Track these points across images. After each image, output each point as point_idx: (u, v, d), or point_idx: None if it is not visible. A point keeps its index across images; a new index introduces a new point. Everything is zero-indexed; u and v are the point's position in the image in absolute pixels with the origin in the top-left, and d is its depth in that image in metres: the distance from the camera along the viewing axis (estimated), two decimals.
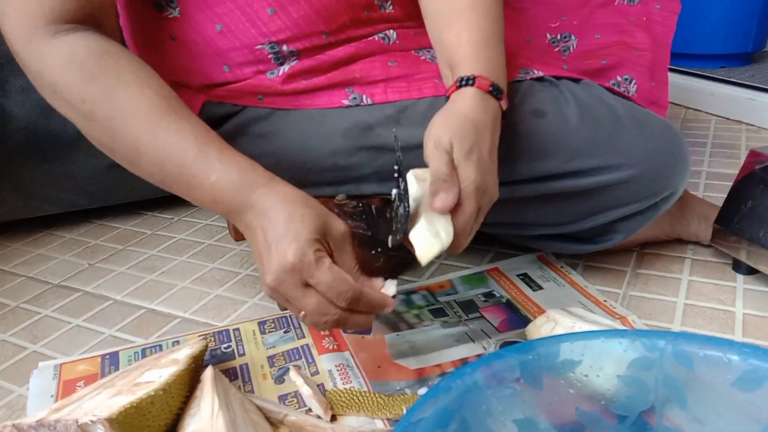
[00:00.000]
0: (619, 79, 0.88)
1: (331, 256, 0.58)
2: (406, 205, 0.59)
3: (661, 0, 0.88)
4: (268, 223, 0.57)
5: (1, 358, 0.82)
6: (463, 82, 0.65)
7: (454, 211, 0.60)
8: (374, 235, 0.71)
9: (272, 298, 0.60)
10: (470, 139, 0.60)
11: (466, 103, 0.64)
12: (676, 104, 1.73)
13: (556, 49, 0.91)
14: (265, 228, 0.57)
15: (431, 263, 0.59)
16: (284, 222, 0.56)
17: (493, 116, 0.65)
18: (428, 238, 0.58)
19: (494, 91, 0.66)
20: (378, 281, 0.62)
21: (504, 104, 0.67)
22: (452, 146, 0.59)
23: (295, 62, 0.74)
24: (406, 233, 0.60)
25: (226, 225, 1.15)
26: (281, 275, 0.56)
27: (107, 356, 0.77)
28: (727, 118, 1.60)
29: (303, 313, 0.58)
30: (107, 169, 1.15)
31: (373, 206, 0.74)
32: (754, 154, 0.86)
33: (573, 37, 0.90)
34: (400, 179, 0.60)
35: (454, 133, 0.60)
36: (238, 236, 1.10)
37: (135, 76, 0.61)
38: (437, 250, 0.58)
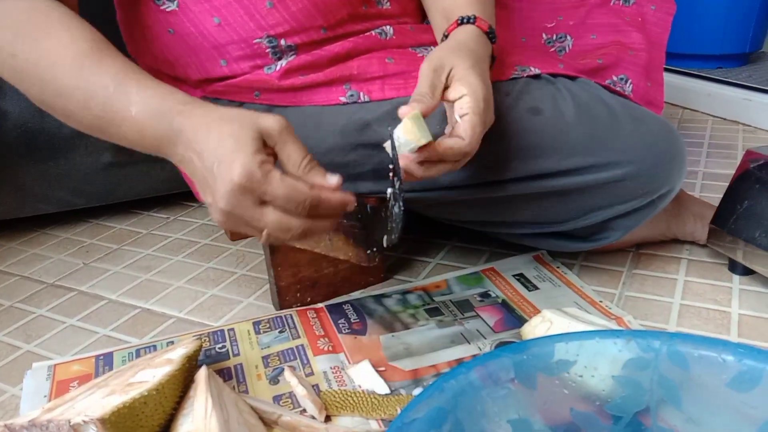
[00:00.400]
0: (614, 78, 0.88)
1: (274, 156, 0.55)
2: (401, 204, 0.59)
3: (656, 1, 0.88)
4: (199, 147, 0.54)
5: None
6: (464, 20, 0.69)
7: (463, 118, 0.60)
8: (370, 234, 0.71)
9: (225, 227, 0.58)
10: (472, 58, 0.63)
11: (467, 36, 0.67)
12: (672, 104, 1.73)
13: (552, 50, 0.90)
14: (199, 153, 0.54)
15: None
16: (216, 142, 0.53)
17: (489, 54, 0.68)
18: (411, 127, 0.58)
19: (491, 34, 0.70)
20: (330, 177, 0.56)
21: (496, 50, 0.71)
22: (451, 68, 0.62)
23: (292, 57, 0.73)
24: (400, 231, 0.60)
25: None
26: (232, 199, 0.53)
27: (101, 357, 0.76)
28: (724, 119, 1.60)
29: (265, 232, 0.55)
30: (103, 169, 1.15)
31: (368, 205, 0.74)
32: (750, 154, 0.86)
33: (569, 37, 0.90)
34: (395, 178, 0.59)
35: (456, 56, 0.62)
36: (234, 236, 1.10)
37: (63, 26, 0.61)
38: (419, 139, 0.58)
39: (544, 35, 0.90)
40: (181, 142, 0.56)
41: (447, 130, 0.63)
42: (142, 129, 0.58)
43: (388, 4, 0.80)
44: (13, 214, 1.16)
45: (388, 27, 0.79)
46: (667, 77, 1.70)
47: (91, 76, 0.59)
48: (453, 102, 0.62)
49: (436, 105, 0.61)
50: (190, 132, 0.55)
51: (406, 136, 0.58)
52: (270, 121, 0.55)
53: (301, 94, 0.75)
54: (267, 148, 0.55)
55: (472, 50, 0.65)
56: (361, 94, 0.75)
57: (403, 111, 0.58)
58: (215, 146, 0.53)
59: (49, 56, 0.59)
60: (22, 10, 0.61)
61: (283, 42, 0.72)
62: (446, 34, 0.71)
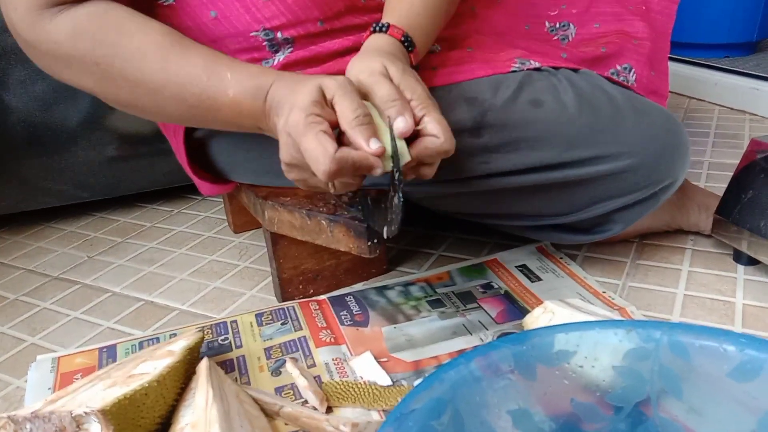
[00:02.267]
0: (618, 68, 0.87)
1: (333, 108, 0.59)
2: (400, 195, 0.59)
3: None
4: (282, 110, 0.60)
5: (0, 351, 0.82)
6: (377, 28, 0.69)
7: (421, 120, 0.60)
8: (370, 225, 0.71)
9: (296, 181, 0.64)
10: (399, 62, 0.63)
11: (380, 44, 0.67)
12: (679, 94, 1.72)
13: (555, 38, 0.90)
14: (280, 116, 0.60)
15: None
16: (289, 100, 0.59)
17: (405, 60, 0.67)
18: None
19: (405, 42, 0.68)
20: (373, 142, 0.57)
21: (414, 59, 0.69)
22: (385, 68, 0.61)
23: (290, 51, 0.73)
24: (401, 222, 0.60)
25: (225, 218, 1.15)
26: (285, 148, 0.60)
27: (105, 349, 0.77)
28: (731, 108, 1.58)
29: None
30: (107, 162, 1.15)
31: (368, 197, 0.74)
32: (755, 144, 0.85)
33: (572, 26, 0.89)
34: (394, 169, 0.59)
35: (382, 59, 0.62)
36: (237, 228, 1.10)
37: (136, 24, 0.64)
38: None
39: (547, 23, 0.90)
40: (273, 112, 0.62)
41: None
42: (240, 109, 0.63)
43: None
44: (17, 208, 1.16)
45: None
46: (674, 66, 1.70)
47: (181, 70, 0.63)
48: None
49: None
50: (278, 101, 0.61)
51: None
52: (329, 80, 0.59)
53: None
54: (324, 107, 0.58)
55: (389, 54, 0.65)
56: None
57: (400, 129, 0.58)
58: (288, 105, 0.59)
59: (133, 58, 0.63)
60: (92, 16, 0.63)
61: (279, 35, 0.72)
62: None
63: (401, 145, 0.59)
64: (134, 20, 0.64)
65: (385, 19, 0.70)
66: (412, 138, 0.60)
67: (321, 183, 0.61)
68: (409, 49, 0.69)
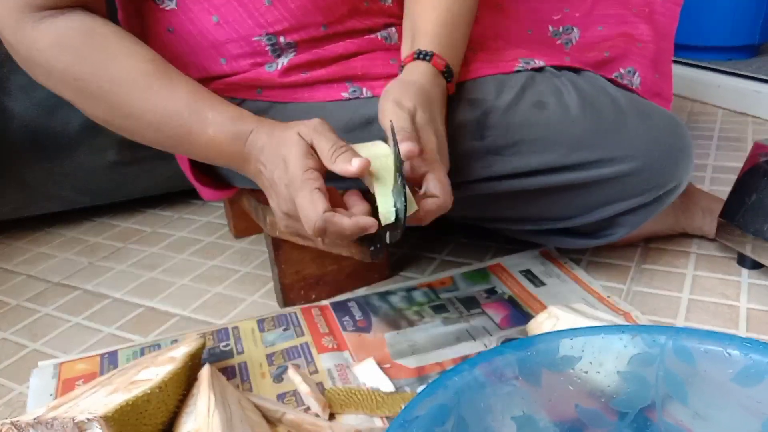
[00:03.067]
0: (622, 71, 0.87)
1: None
2: (403, 200, 0.59)
3: None
4: (263, 163, 0.61)
5: (2, 357, 0.82)
6: (421, 56, 0.69)
7: (425, 177, 0.60)
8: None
9: (287, 230, 0.65)
10: (428, 108, 0.64)
11: (421, 76, 0.67)
12: (682, 97, 1.71)
13: (558, 42, 0.90)
14: (264, 165, 0.62)
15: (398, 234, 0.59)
16: (279, 152, 0.60)
17: (443, 95, 0.68)
18: (390, 198, 0.58)
19: (446, 73, 0.69)
20: (354, 161, 0.57)
21: (451, 89, 0.71)
22: (416, 110, 0.62)
23: (292, 55, 0.73)
24: (403, 227, 0.60)
25: (226, 223, 1.15)
26: (281, 200, 0.60)
27: (106, 355, 0.76)
28: (734, 111, 1.58)
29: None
30: (108, 167, 1.15)
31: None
32: (759, 147, 0.85)
33: (575, 30, 0.89)
34: (397, 174, 0.59)
35: (417, 100, 0.63)
36: (239, 233, 1.10)
37: (123, 48, 0.64)
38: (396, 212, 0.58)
39: (550, 27, 0.90)
40: (252, 158, 0.63)
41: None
42: (218, 148, 0.64)
43: (391, 1, 0.79)
44: (18, 213, 1.16)
45: (392, 29, 0.78)
46: (677, 69, 1.68)
47: (163, 100, 0.63)
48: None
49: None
50: (258, 147, 0.62)
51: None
52: (303, 127, 0.60)
53: (302, 90, 0.75)
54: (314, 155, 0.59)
55: (427, 94, 0.65)
56: (364, 89, 0.74)
57: (407, 151, 0.57)
58: (281, 155, 0.59)
59: (115, 80, 0.63)
60: (77, 31, 0.63)
61: (282, 39, 0.72)
62: (402, 65, 0.70)
63: (408, 194, 0.58)
64: (121, 43, 0.64)
65: (426, 43, 0.70)
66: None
67: (312, 237, 0.61)
68: (449, 80, 0.69)
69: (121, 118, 0.65)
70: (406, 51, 0.73)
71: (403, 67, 0.70)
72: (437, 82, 0.68)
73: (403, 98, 0.62)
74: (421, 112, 0.62)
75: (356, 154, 0.58)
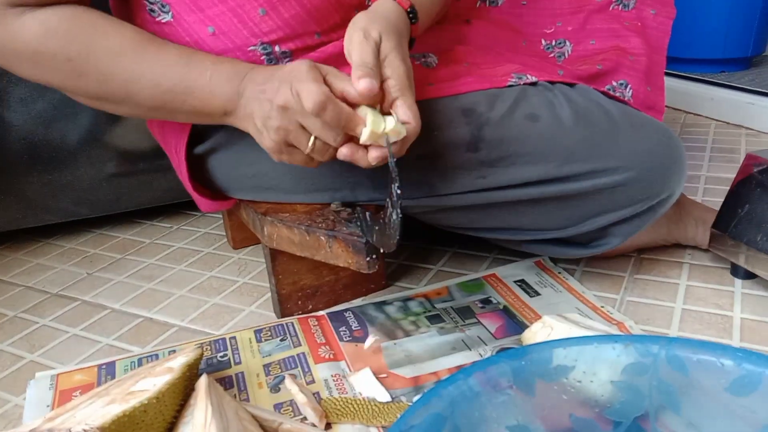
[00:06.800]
0: (614, 84, 0.88)
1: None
2: (398, 210, 0.59)
3: (655, 5, 0.88)
4: (265, 85, 0.64)
5: None
6: None
7: (394, 103, 0.62)
8: (369, 241, 0.71)
9: (277, 146, 0.65)
10: (396, 37, 0.64)
11: (388, 10, 0.68)
12: (675, 108, 1.73)
13: (551, 55, 0.91)
14: (262, 83, 0.64)
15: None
16: (275, 73, 0.64)
17: (407, 31, 0.70)
18: (374, 117, 0.61)
19: (410, 13, 0.71)
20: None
21: (414, 31, 0.72)
22: (381, 39, 0.63)
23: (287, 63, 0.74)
24: (399, 238, 0.60)
25: (224, 234, 1.16)
26: (281, 91, 0.62)
27: (104, 366, 0.77)
28: (727, 123, 1.59)
29: (312, 140, 0.63)
30: (106, 179, 1.16)
31: (367, 213, 0.74)
32: (751, 158, 0.86)
33: (568, 43, 0.90)
34: (393, 185, 0.60)
35: (383, 29, 0.64)
36: (236, 244, 1.10)
37: (110, 23, 0.67)
38: (381, 127, 0.60)
39: (543, 41, 0.91)
40: (247, 87, 0.65)
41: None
42: (213, 91, 0.67)
43: None
44: (17, 225, 1.16)
45: None
46: (670, 81, 1.71)
47: (159, 60, 0.67)
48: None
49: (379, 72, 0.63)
50: (256, 76, 0.66)
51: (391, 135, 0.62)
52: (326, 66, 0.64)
53: None
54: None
55: (394, 25, 0.66)
56: None
57: (363, 88, 0.60)
58: (277, 76, 0.63)
59: (110, 52, 0.66)
60: (63, 17, 0.65)
61: (277, 48, 0.73)
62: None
63: (399, 126, 0.61)
64: (108, 20, 0.67)
65: None
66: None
67: (303, 144, 0.63)
68: (413, 21, 0.71)
69: (117, 87, 0.67)
70: None
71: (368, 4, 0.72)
72: (403, 18, 0.69)
73: (369, 27, 0.63)
74: (386, 40, 0.63)
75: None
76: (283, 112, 0.62)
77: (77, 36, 0.65)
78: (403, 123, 0.61)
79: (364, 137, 0.60)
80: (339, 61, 0.75)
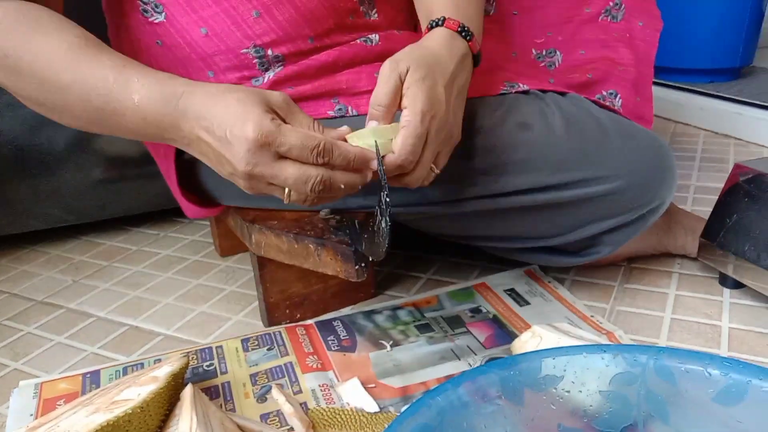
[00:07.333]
0: (604, 93, 0.88)
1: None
2: (387, 219, 0.59)
3: (643, 17, 0.89)
4: (207, 122, 0.57)
5: None
6: (433, 24, 0.68)
7: (399, 132, 0.61)
8: (358, 249, 0.70)
9: (251, 191, 0.61)
10: (426, 68, 0.62)
11: (433, 41, 0.67)
12: (664, 118, 1.74)
13: (542, 65, 0.91)
14: (207, 128, 0.58)
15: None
16: (224, 111, 0.57)
17: (459, 54, 0.67)
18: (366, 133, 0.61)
19: (463, 32, 0.68)
20: (342, 129, 0.61)
21: (474, 47, 0.69)
22: (407, 72, 0.61)
23: (280, 69, 0.74)
24: (388, 246, 0.60)
25: (211, 241, 1.15)
26: (251, 158, 0.56)
27: (88, 375, 0.76)
28: (716, 132, 1.60)
29: (287, 190, 0.59)
30: (93, 185, 1.15)
31: (356, 221, 0.74)
32: (738, 168, 0.86)
33: (558, 53, 0.90)
34: (382, 193, 0.59)
35: (414, 60, 0.62)
36: (224, 252, 1.09)
37: (54, 24, 0.62)
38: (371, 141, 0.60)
39: (534, 51, 0.91)
40: (187, 121, 0.59)
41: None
42: (145, 116, 0.60)
43: (376, 15, 0.80)
44: (2, 231, 1.15)
45: (374, 35, 0.79)
46: (660, 91, 1.72)
47: (90, 69, 0.60)
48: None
49: (394, 110, 0.62)
50: (196, 109, 0.58)
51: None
52: (274, 94, 0.59)
53: None
54: (276, 115, 0.58)
55: (431, 55, 0.64)
56: (350, 108, 0.75)
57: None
58: (223, 115, 0.56)
59: (44, 53, 0.61)
60: (9, 11, 0.62)
61: (270, 52, 0.72)
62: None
63: (389, 143, 0.61)
64: (53, 19, 0.63)
65: (438, 14, 0.69)
66: None
67: (279, 194, 0.60)
68: (468, 38, 0.68)
69: (52, 94, 0.62)
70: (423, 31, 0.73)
71: None
72: (453, 44, 0.67)
73: (402, 57, 0.62)
74: (413, 71, 0.61)
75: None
76: (250, 179, 0.58)
77: (18, 32, 0.61)
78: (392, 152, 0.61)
79: (351, 139, 0.61)
80: (328, 71, 0.75)
